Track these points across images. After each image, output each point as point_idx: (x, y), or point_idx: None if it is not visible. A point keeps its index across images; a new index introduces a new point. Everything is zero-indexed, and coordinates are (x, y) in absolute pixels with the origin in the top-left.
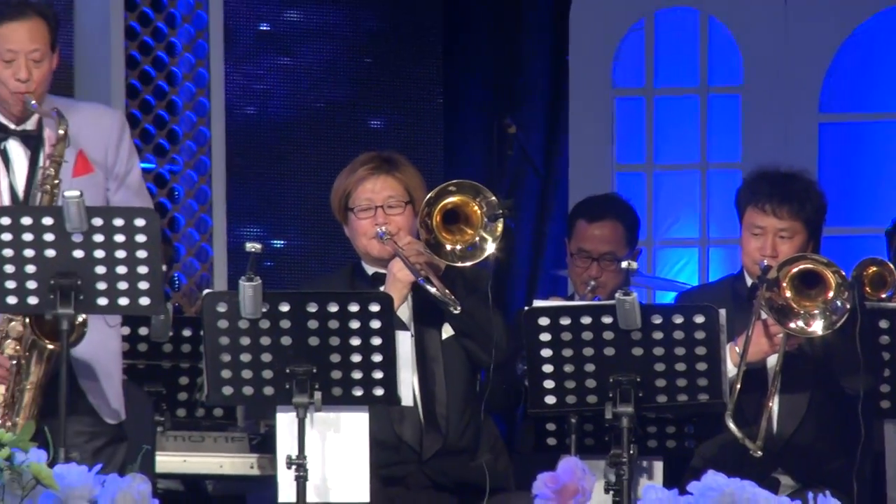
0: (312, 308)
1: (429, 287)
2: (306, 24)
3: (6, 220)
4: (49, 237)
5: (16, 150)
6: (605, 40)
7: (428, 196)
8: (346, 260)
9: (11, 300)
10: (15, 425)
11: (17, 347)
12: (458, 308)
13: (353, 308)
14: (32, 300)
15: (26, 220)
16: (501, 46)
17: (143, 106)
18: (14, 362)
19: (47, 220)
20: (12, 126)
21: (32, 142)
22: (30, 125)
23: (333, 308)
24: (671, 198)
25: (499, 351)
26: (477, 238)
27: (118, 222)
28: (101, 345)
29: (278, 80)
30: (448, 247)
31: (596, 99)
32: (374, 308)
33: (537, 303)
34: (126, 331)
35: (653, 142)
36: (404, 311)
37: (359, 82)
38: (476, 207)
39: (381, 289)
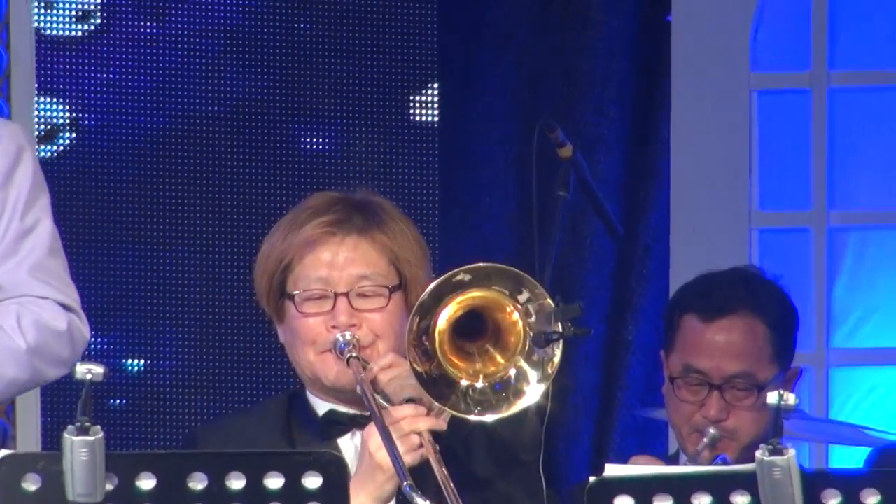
0: (198, 483)
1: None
2: None
3: None
4: None
5: None
6: None
7: (425, 293)
8: (275, 388)
9: None
10: None
11: None
12: None
13: (273, 483)
14: None
15: None
16: None
17: None
18: None
19: None
20: None
21: None
22: None
23: (237, 483)
24: (869, 265)
25: None
26: (511, 370)
27: None
28: None
29: (130, 63)
30: (463, 382)
31: (720, 93)
32: (312, 483)
33: (611, 469)
34: None
35: (825, 168)
36: None
37: (288, 69)
38: (513, 315)
39: (354, 472)
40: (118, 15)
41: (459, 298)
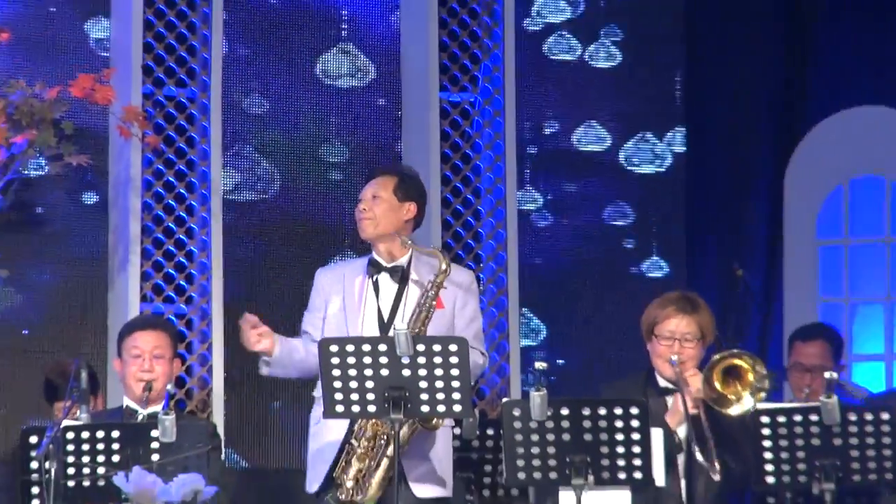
0: (586, 411)
1: (694, 448)
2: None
3: (351, 347)
4: (384, 359)
5: (386, 282)
6: (810, 200)
7: (717, 356)
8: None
9: (355, 408)
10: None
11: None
12: (718, 475)
13: (618, 411)
14: (371, 408)
15: (366, 347)
16: (731, 208)
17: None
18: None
19: (382, 347)
20: (384, 262)
21: (399, 275)
22: (402, 262)
23: (602, 411)
24: (862, 323)
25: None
26: (743, 393)
27: (436, 348)
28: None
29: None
30: (730, 397)
31: (804, 247)
32: (634, 411)
33: (761, 406)
34: None
35: (848, 279)
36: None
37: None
38: (749, 375)
39: (667, 416)
40: None
41: (730, 360)
